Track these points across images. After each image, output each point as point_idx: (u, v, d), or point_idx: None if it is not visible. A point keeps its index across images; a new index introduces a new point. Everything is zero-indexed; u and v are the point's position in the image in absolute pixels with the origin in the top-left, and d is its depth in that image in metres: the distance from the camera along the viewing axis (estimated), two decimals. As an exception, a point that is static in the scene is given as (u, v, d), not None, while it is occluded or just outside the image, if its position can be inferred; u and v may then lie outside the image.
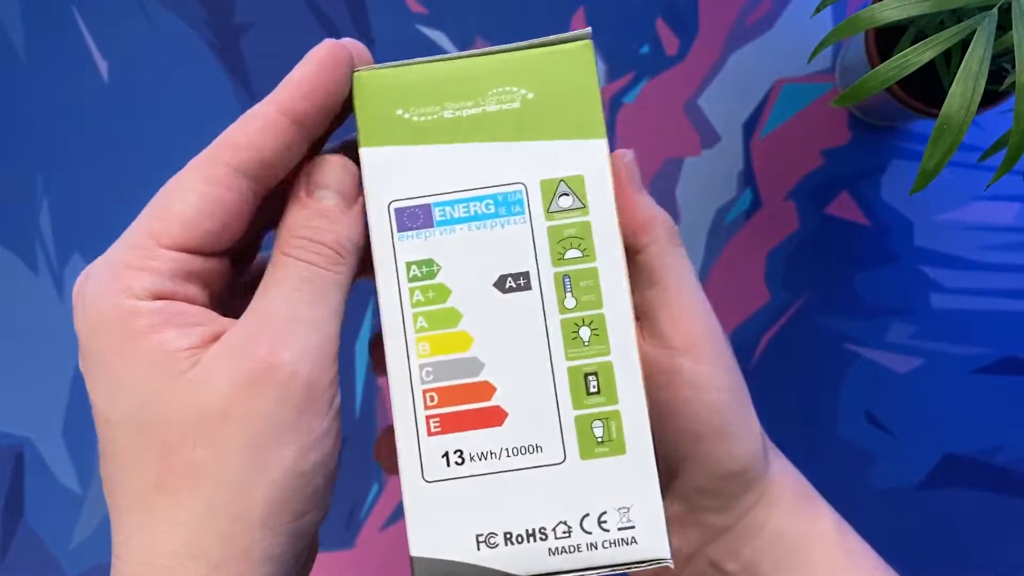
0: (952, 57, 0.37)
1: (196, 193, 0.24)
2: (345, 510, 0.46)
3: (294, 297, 0.23)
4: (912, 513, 0.46)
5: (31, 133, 0.47)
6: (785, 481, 0.29)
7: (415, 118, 0.24)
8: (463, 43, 0.48)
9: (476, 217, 0.24)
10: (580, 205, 0.24)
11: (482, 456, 0.24)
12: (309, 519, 0.24)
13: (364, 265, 0.25)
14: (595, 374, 0.24)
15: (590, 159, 0.24)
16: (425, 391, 0.24)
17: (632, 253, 0.27)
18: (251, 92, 0.47)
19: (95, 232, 0.47)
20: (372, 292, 0.26)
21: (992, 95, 0.39)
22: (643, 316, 0.28)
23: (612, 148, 0.25)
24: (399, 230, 0.24)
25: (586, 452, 0.24)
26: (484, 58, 0.25)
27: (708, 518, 0.29)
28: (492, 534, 0.23)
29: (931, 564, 0.46)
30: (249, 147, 0.25)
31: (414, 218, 0.24)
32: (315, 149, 0.26)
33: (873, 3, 0.35)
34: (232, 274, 0.26)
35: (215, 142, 0.25)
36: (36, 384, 0.46)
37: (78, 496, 0.46)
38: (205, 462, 0.21)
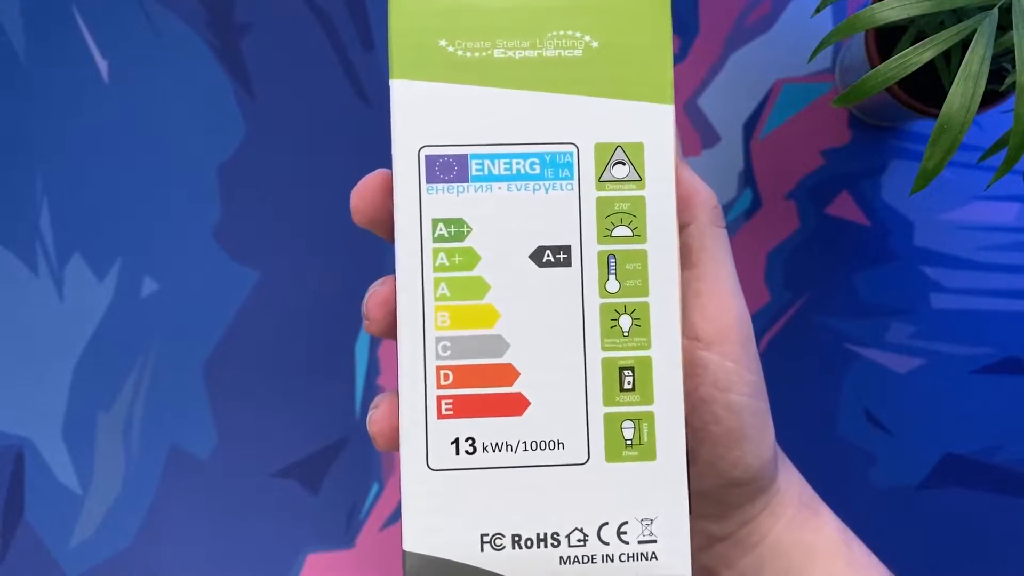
0: (952, 57, 0.37)
1: None
2: (345, 510, 0.46)
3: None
4: (912, 513, 0.46)
5: (31, 133, 0.47)
6: (790, 491, 0.28)
7: (460, 52, 0.21)
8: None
9: (518, 176, 0.21)
10: (636, 177, 0.22)
11: (496, 447, 0.21)
12: None
13: (386, 227, 0.22)
14: (631, 369, 0.21)
15: (654, 126, 0.22)
16: (439, 368, 0.21)
17: None
18: (251, 92, 0.47)
19: (95, 232, 0.47)
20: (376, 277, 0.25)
21: (992, 95, 0.39)
22: None
23: None
24: (428, 181, 0.21)
25: (612, 454, 0.21)
26: None
27: (705, 525, 0.28)
28: (499, 535, 0.21)
29: (931, 564, 0.46)
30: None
31: (447, 169, 0.21)
32: None
33: (873, 3, 0.35)
34: None
35: None
36: (36, 384, 0.46)
37: (78, 496, 0.46)
38: None
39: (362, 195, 0.23)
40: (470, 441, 0.21)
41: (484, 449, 0.21)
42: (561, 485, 0.21)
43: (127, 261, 0.47)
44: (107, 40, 0.48)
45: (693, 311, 0.25)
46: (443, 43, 0.21)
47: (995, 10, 0.30)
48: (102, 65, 0.48)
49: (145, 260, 0.47)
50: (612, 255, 0.22)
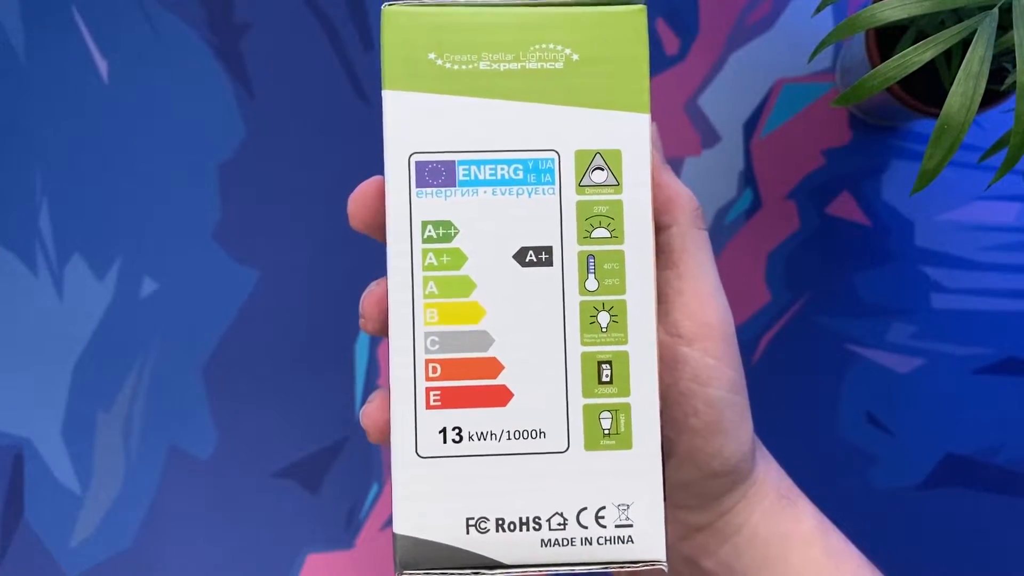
0: (953, 57, 0.37)
1: None
2: (345, 510, 0.46)
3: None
4: (912, 513, 0.46)
5: (31, 133, 0.47)
6: (768, 481, 0.29)
7: (448, 65, 0.23)
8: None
9: (502, 181, 0.23)
10: (614, 182, 0.23)
11: (482, 436, 0.23)
12: None
13: (381, 231, 0.24)
14: (609, 363, 0.23)
15: (630, 134, 0.23)
16: (428, 361, 0.23)
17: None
18: (251, 92, 0.47)
19: (95, 232, 0.47)
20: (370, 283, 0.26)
21: (993, 95, 0.39)
22: None
23: None
24: (418, 185, 0.23)
25: (591, 443, 0.23)
26: (531, 10, 0.23)
27: (684, 515, 0.29)
28: (484, 519, 0.22)
29: (931, 564, 0.46)
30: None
31: (436, 174, 0.23)
32: None
33: (873, 3, 0.35)
34: None
35: None
36: (36, 384, 0.46)
37: (78, 496, 0.46)
38: None
39: (358, 201, 0.24)
40: (457, 430, 0.22)
41: (470, 438, 0.22)
42: (542, 472, 0.23)
43: (127, 261, 0.47)
44: (107, 40, 0.48)
45: (675, 309, 0.26)
46: (432, 56, 0.23)
47: (995, 10, 0.30)
48: (102, 65, 0.48)
49: (145, 260, 0.47)
50: (591, 255, 0.23)
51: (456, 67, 0.23)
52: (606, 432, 0.23)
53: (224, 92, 0.47)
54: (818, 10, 0.34)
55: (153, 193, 0.47)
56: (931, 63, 0.39)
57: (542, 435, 0.23)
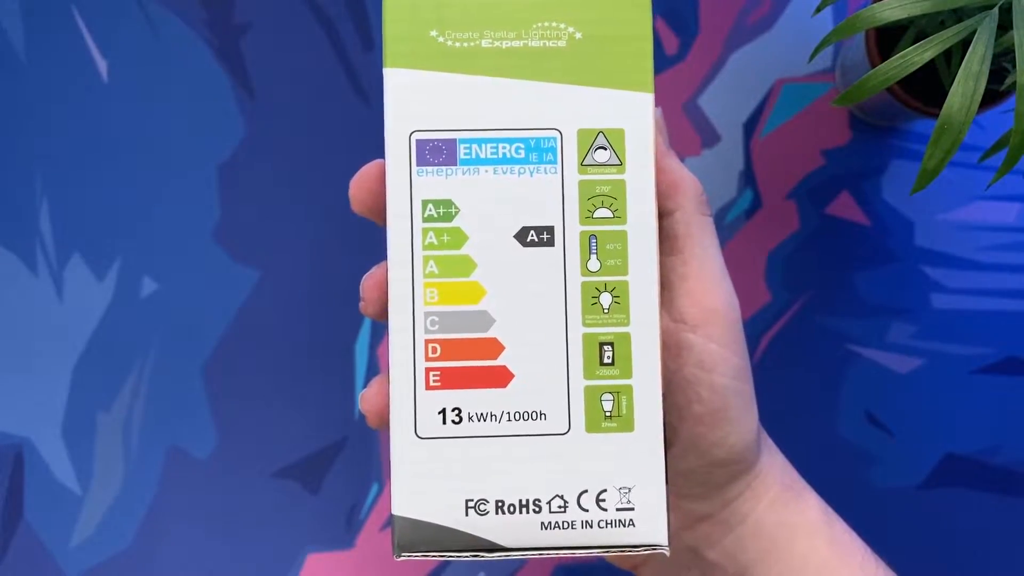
0: (953, 57, 0.37)
1: None
2: (345, 510, 0.46)
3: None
4: (912, 513, 0.46)
5: (31, 133, 0.47)
6: (772, 472, 0.28)
7: (449, 42, 0.22)
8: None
9: (504, 160, 0.22)
10: (617, 162, 0.23)
11: (481, 417, 0.22)
12: None
13: (382, 215, 0.23)
14: (611, 344, 0.22)
15: (634, 113, 0.23)
16: (428, 341, 0.22)
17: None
18: (251, 92, 0.47)
19: (95, 232, 0.47)
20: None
21: (993, 95, 0.39)
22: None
23: None
24: (418, 164, 0.22)
25: (592, 425, 0.22)
26: None
27: (688, 504, 0.28)
28: (483, 501, 0.22)
29: (931, 564, 0.46)
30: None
31: (436, 153, 0.22)
32: None
33: (873, 3, 0.35)
34: None
35: None
36: (36, 384, 0.46)
37: (78, 496, 0.46)
38: None
39: (360, 184, 0.24)
40: (456, 411, 0.22)
41: (470, 419, 0.22)
42: (543, 454, 0.22)
43: (127, 261, 0.47)
44: (107, 40, 0.48)
45: (679, 295, 0.26)
46: (434, 34, 0.22)
47: (995, 10, 0.30)
48: (102, 65, 0.48)
49: (145, 260, 0.47)
50: (593, 235, 0.23)
51: (458, 44, 0.22)
52: (607, 414, 0.22)
53: (224, 92, 0.47)
54: (818, 10, 0.34)
55: (153, 193, 0.47)
56: (931, 63, 0.39)
57: (543, 417, 0.22)
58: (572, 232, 0.22)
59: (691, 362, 0.26)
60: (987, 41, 0.30)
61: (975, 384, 0.46)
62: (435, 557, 0.22)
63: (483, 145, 0.22)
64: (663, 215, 0.26)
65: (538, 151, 0.22)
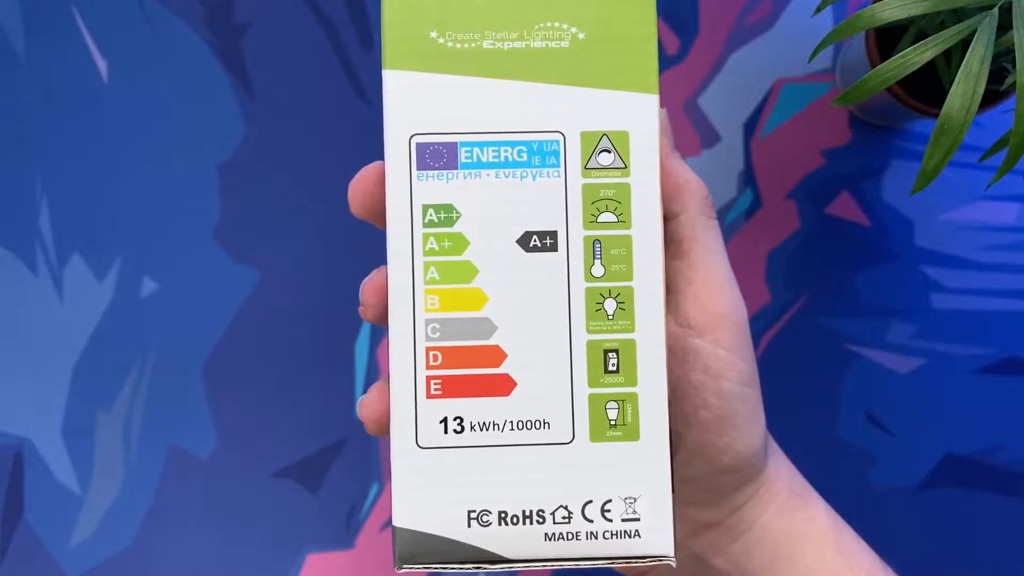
0: (952, 57, 0.37)
1: None
2: (345, 510, 0.46)
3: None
4: (912, 513, 0.46)
5: (31, 133, 0.47)
6: (780, 478, 0.28)
7: (450, 44, 0.22)
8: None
9: (506, 164, 0.22)
10: (621, 165, 0.22)
11: (484, 426, 0.22)
12: None
13: (383, 218, 0.23)
14: (616, 351, 0.22)
15: (639, 115, 0.22)
16: (429, 349, 0.22)
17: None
18: (251, 92, 0.47)
19: (95, 232, 0.47)
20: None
21: (993, 95, 0.39)
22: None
23: None
24: (419, 168, 0.22)
25: (597, 434, 0.22)
26: None
27: (694, 511, 0.28)
28: (486, 511, 0.21)
29: (931, 564, 0.46)
30: None
31: (437, 156, 0.22)
32: None
33: (873, 3, 0.35)
34: None
35: None
36: (36, 384, 0.46)
37: (77, 496, 0.46)
38: None
39: (359, 187, 0.24)
40: (458, 420, 0.22)
41: (472, 428, 0.22)
42: (547, 464, 0.22)
43: (127, 261, 0.47)
44: (107, 40, 0.48)
45: (685, 299, 0.25)
46: (434, 35, 0.22)
47: (995, 10, 0.30)
48: (102, 65, 0.48)
49: (145, 260, 0.47)
50: (597, 240, 0.22)
51: (458, 46, 0.22)
52: (612, 423, 0.22)
53: (224, 92, 0.47)
54: (818, 10, 0.34)
55: (153, 193, 0.47)
56: (931, 63, 0.39)
57: (546, 426, 0.22)
58: (576, 237, 0.22)
59: (698, 368, 0.25)
60: (987, 41, 0.30)
61: (975, 384, 0.46)
62: (437, 569, 0.22)
63: (484, 148, 0.22)
64: (668, 218, 0.25)
65: (541, 154, 0.22)
